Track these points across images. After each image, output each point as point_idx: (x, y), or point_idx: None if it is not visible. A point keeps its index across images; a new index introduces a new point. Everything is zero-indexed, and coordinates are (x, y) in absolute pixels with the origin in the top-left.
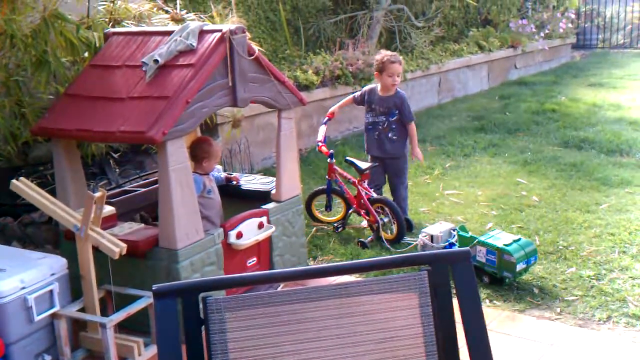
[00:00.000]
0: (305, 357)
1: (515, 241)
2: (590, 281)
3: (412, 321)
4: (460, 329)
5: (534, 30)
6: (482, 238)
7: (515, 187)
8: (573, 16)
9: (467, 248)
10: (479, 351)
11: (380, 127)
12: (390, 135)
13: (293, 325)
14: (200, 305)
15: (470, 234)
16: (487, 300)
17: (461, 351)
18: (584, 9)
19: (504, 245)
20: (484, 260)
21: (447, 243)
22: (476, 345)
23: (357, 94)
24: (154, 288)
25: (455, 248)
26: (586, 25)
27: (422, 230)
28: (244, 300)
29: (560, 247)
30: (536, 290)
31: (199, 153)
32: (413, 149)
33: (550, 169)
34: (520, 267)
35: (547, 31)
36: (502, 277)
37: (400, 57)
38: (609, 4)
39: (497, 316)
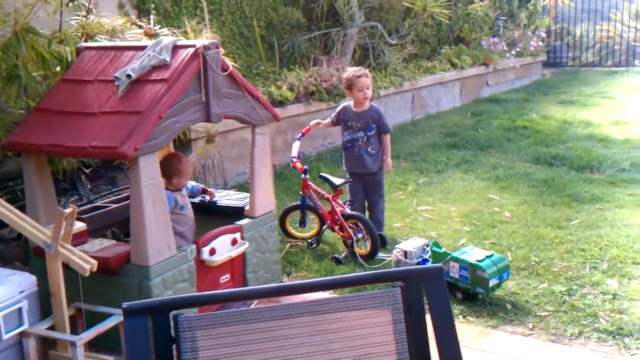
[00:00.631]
0: None
1: (487, 257)
2: (562, 297)
3: (385, 338)
4: (433, 344)
5: (505, 48)
6: (455, 254)
7: (488, 203)
8: (544, 35)
9: (440, 264)
10: None
11: (359, 142)
12: (369, 149)
13: (266, 343)
14: (172, 324)
15: (443, 249)
16: (461, 316)
17: None
18: (554, 28)
19: (477, 261)
20: (457, 276)
21: (420, 259)
22: None
23: (333, 115)
24: (124, 306)
25: (429, 264)
26: (556, 44)
27: (395, 246)
28: (215, 318)
29: (532, 262)
30: (509, 306)
31: (169, 170)
32: (386, 159)
33: (522, 185)
34: (493, 282)
35: (518, 49)
36: (475, 292)
37: (367, 70)
38: (578, 23)
39: (470, 332)
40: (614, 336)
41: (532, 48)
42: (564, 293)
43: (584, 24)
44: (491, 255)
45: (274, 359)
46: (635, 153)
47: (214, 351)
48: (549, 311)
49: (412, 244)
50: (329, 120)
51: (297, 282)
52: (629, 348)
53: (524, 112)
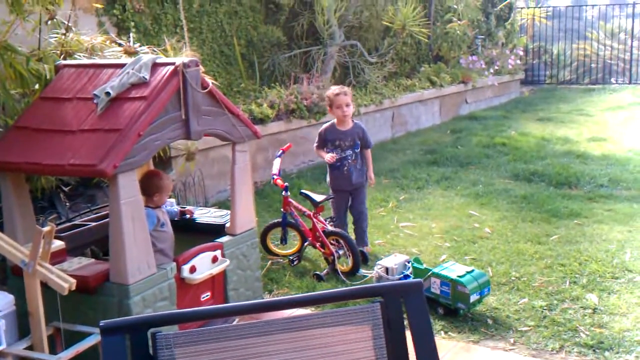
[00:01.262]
0: None
1: (468, 272)
2: (542, 311)
3: (365, 353)
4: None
5: (483, 66)
6: (436, 270)
7: (468, 219)
8: (521, 53)
9: (420, 279)
10: None
11: (349, 160)
12: (357, 166)
13: None
14: (150, 342)
15: (424, 265)
16: (442, 332)
17: None
18: (531, 46)
19: (458, 276)
20: (438, 291)
21: (402, 275)
22: None
23: (317, 140)
24: (101, 324)
25: (409, 279)
26: (534, 62)
27: (377, 263)
28: (194, 335)
29: (513, 278)
30: (490, 321)
31: (150, 188)
32: (369, 172)
33: (501, 201)
34: (474, 298)
35: (496, 67)
36: (456, 308)
37: (347, 88)
38: (555, 42)
39: (452, 347)
40: (594, 350)
41: (510, 66)
42: (545, 308)
43: (561, 42)
44: (472, 271)
45: None
46: (612, 169)
47: None
48: (529, 326)
49: (393, 260)
50: (316, 148)
51: (277, 298)
52: None
53: (503, 129)
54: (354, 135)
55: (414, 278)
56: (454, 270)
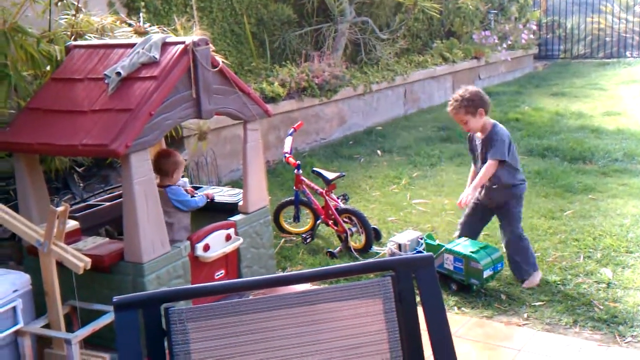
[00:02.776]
0: None
1: (482, 248)
2: (556, 286)
3: (377, 327)
4: (425, 333)
5: (496, 41)
6: (449, 246)
7: None
8: (535, 27)
9: (431, 253)
10: (443, 355)
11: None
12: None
13: (258, 334)
14: (163, 317)
15: (437, 242)
16: (456, 307)
17: (427, 356)
18: (545, 21)
19: (471, 252)
20: (451, 267)
21: (414, 251)
22: (440, 349)
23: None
24: (114, 300)
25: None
26: (548, 37)
27: (389, 240)
28: (207, 310)
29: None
30: (503, 297)
31: (168, 166)
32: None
33: None
34: (487, 273)
35: (509, 42)
36: (469, 284)
37: (450, 101)
38: (569, 16)
39: (465, 322)
40: (608, 324)
41: (523, 41)
42: (559, 283)
43: (575, 16)
44: (485, 247)
45: (266, 350)
46: (627, 143)
47: (205, 343)
48: (543, 301)
49: (405, 236)
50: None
51: (288, 273)
52: (623, 336)
53: (516, 104)
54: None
55: None
56: (467, 246)
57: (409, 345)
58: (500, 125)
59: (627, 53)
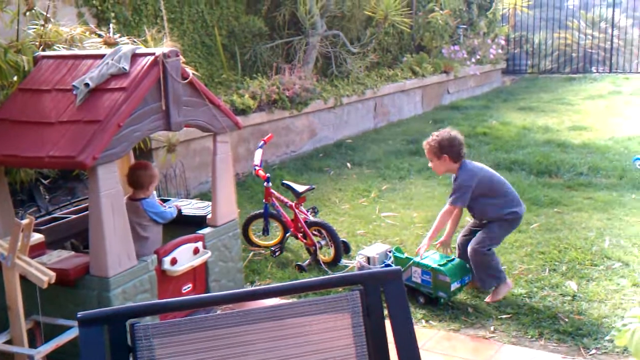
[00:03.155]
0: None
1: (449, 261)
2: (522, 299)
3: (345, 341)
4: (393, 347)
5: (465, 56)
6: (416, 259)
7: None
8: (503, 42)
9: (399, 267)
10: None
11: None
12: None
13: (225, 350)
14: (128, 333)
15: (405, 255)
16: (423, 321)
17: None
18: (513, 36)
19: (439, 265)
20: (419, 280)
21: (383, 264)
22: None
23: None
24: (78, 315)
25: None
26: (516, 51)
27: (358, 253)
28: (173, 325)
29: None
30: (470, 310)
31: (145, 179)
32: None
33: None
34: (454, 286)
35: (478, 57)
36: (437, 297)
37: (425, 142)
38: (537, 31)
39: (433, 336)
40: (572, 337)
41: (491, 56)
42: (524, 295)
43: (542, 31)
44: (452, 259)
45: None
46: (592, 157)
47: (171, 359)
48: (509, 314)
49: (374, 249)
50: None
51: (256, 287)
52: (588, 348)
53: (484, 118)
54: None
55: None
56: (434, 259)
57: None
58: (471, 166)
59: (593, 68)
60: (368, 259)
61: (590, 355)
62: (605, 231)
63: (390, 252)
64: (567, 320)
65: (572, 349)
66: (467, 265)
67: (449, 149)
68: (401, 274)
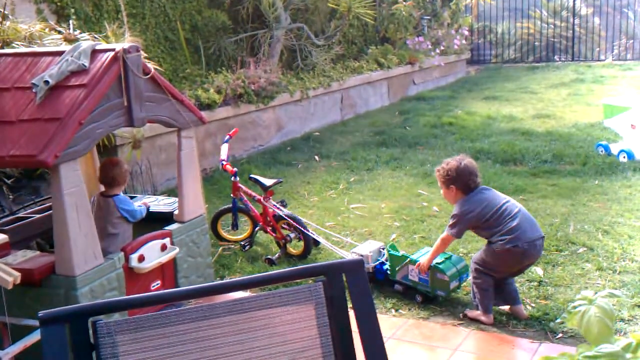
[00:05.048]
0: None
1: (447, 259)
2: None
3: (309, 332)
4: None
5: (430, 47)
6: (413, 256)
7: (417, 199)
8: (467, 33)
9: (360, 257)
10: (374, 357)
11: None
12: None
13: (189, 345)
14: (91, 330)
15: (401, 252)
16: (393, 310)
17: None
18: (476, 26)
19: (436, 263)
20: (416, 279)
21: (377, 262)
22: (372, 352)
23: None
24: (39, 315)
25: (386, 267)
26: (479, 42)
27: (351, 251)
28: (136, 322)
29: (461, 254)
30: (440, 298)
31: (121, 176)
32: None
33: None
34: (453, 285)
35: (442, 48)
36: (435, 295)
37: (435, 169)
38: (500, 21)
39: (402, 324)
40: (540, 322)
41: (456, 46)
42: None
43: (505, 21)
44: (450, 257)
45: None
46: (555, 145)
47: (135, 356)
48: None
49: (368, 247)
50: None
51: (220, 282)
52: (555, 332)
53: (450, 109)
54: None
55: (390, 265)
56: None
57: (341, 349)
58: (476, 198)
59: (556, 57)
60: (361, 257)
61: (557, 339)
62: (570, 217)
63: (383, 249)
64: (533, 305)
65: (539, 333)
66: (466, 263)
67: (456, 180)
68: (363, 264)
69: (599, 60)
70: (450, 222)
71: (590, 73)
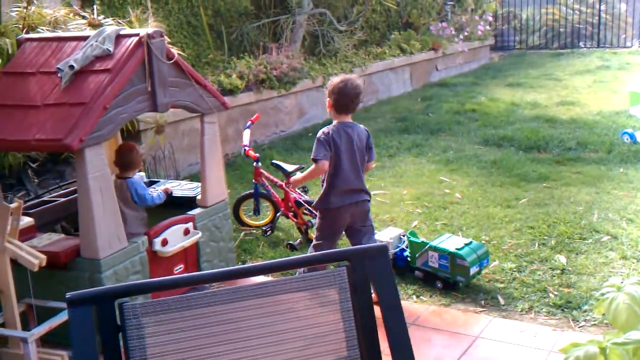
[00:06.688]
0: (227, 358)
1: (467, 245)
2: (512, 273)
3: (333, 317)
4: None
5: (453, 32)
6: (433, 243)
7: (439, 186)
8: (491, 19)
9: (384, 243)
10: (398, 343)
11: None
12: None
13: (214, 327)
14: (117, 312)
15: (421, 239)
16: (414, 296)
17: (384, 346)
18: (500, 12)
19: (456, 249)
20: (436, 265)
21: (398, 249)
22: (395, 337)
23: None
24: (67, 296)
25: (406, 254)
26: (503, 28)
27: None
28: (162, 304)
29: (483, 241)
30: (461, 285)
31: (135, 160)
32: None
33: (471, 166)
34: (473, 270)
35: (466, 34)
36: (455, 281)
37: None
38: (524, 7)
39: (423, 311)
40: (562, 310)
41: (479, 32)
42: (514, 270)
43: (530, 7)
44: (470, 243)
45: (223, 342)
46: (580, 132)
47: (162, 337)
48: (499, 288)
49: (388, 234)
50: None
51: (243, 266)
52: (577, 320)
53: (473, 95)
54: None
55: (410, 252)
56: (451, 242)
57: (364, 334)
58: (339, 127)
59: (581, 44)
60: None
61: (579, 327)
62: (594, 205)
63: (404, 236)
64: (556, 293)
65: (562, 321)
66: (486, 250)
67: (331, 95)
68: (387, 250)
69: (625, 47)
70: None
71: (615, 60)
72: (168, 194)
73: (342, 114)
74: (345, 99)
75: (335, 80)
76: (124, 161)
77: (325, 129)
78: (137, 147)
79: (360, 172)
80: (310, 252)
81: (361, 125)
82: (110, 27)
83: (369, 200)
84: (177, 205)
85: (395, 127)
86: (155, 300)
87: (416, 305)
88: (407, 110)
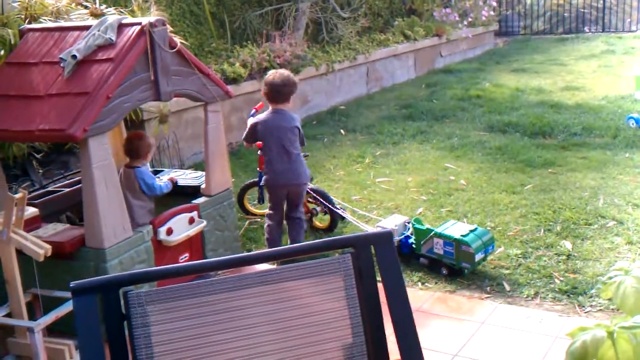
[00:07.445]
0: (233, 346)
1: (471, 231)
2: (517, 259)
3: (338, 304)
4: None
5: (457, 18)
6: (438, 229)
7: (444, 172)
8: (495, 4)
9: (389, 229)
10: (404, 329)
11: None
12: None
13: (219, 315)
14: (122, 300)
15: (426, 226)
16: (420, 283)
17: (389, 332)
18: None
19: (461, 236)
20: (441, 252)
21: (402, 236)
22: (401, 324)
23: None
24: (71, 285)
25: (411, 241)
26: (508, 13)
27: (376, 225)
28: (166, 292)
29: (488, 227)
30: (466, 271)
31: (143, 148)
32: None
33: (476, 153)
34: (478, 257)
35: (470, 19)
36: (460, 268)
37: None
38: None
39: (428, 298)
40: (568, 295)
41: (483, 18)
42: (520, 256)
43: None
44: (475, 229)
45: (228, 330)
46: (585, 117)
47: (166, 325)
48: (505, 274)
49: (393, 221)
50: None
51: (247, 253)
52: (583, 306)
53: (477, 81)
54: None
55: (415, 239)
56: (456, 229)
57: (370, 321)
58: (270, 115)
59: (586, 28)
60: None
61: (585, 313)
62: (600, 190)
63: (408, 223)
64: (562, 279)
65: (568, 307)
66: (491, 236)
67: (265, 85)
68: (392, 237)
69: (630, 31)
70: None
71: (621, 44)
72: (173, 183)
73: (273, 102)
74: (273, 90)
75: (268, 73)
76: (132, 149)
77: (258, 116)
78: (147, 136)
79: (288, 155)
80: (265, 221)
81: (293, 114)
82: (113, 16)
83: (303, 184)
84: (181, 195)
85: (400, 114)
86: (160, 289)
87: (421, 292)
88: (412, 97)
